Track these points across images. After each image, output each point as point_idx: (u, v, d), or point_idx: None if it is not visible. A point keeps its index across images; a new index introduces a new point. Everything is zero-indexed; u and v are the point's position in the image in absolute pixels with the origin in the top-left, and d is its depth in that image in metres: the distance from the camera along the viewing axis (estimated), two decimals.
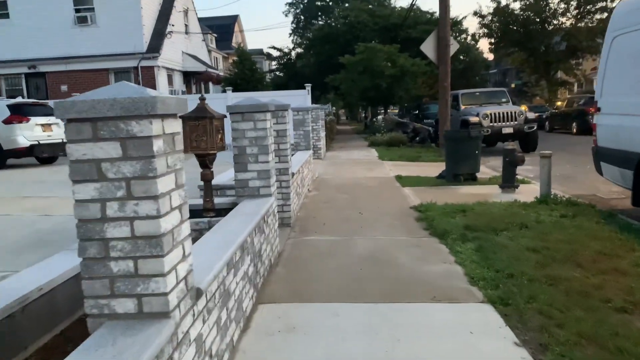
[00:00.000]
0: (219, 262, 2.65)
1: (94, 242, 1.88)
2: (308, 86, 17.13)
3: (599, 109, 6.92)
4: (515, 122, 14.76)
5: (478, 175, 9.40)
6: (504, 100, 16.40)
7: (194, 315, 2.21)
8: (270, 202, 4.48)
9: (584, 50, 31.24)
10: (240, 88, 18.50)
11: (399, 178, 9.91)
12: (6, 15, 19.89)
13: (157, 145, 1.85)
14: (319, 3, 41.30)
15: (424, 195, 7.98)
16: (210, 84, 24.22)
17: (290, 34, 42.57)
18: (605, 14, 29.88)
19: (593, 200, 7.57)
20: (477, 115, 14.87)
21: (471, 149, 9.06)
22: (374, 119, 27.91)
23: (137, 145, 1.82)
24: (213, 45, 41.12)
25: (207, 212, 4.36)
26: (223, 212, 4.31)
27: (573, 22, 30.75)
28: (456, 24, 28.23)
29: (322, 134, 14.89)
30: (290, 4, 42.98)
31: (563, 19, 30.97)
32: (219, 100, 15.01)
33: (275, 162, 5.99)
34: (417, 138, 19.31)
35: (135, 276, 1.89)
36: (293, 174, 6.38)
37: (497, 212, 6.33)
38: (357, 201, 7.70)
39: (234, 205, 4.55)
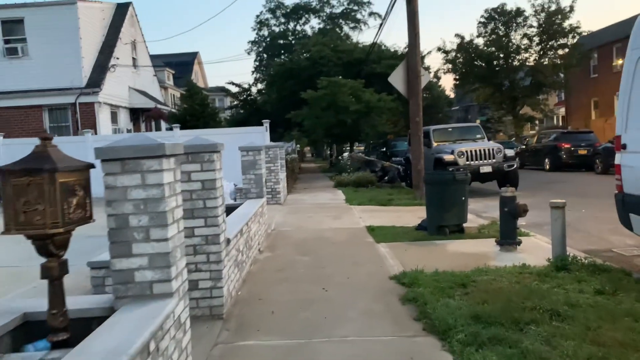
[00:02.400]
0: None
1: None
2: (266, 122, 15.48)
3: (623, 146, 5.44)
4: (494, 160, 13.45)
5: (465, 224, 7.82)
6: (478, 136, 15.16)
7: None
8: (169, 310, 2.66)
9: (549, 85, 31.04)
10: (189, 125, 16.69)
11: (371, 230, 8.21)
12: None
13: None
14: (281, 41, 40.45)
15: (405, 255, 6.29)
16: (162, 122, 22.32)
17: (253, 72, 41.38)
18: (567, 50, 29.93)
19: (612, 258, 6.06)
20: (452, 152, 13.51)
21: (457, 195, 7.49)
22: (340, 157, 26.49)
23: None
24: (170, 82, 39.42)
25: (54, 332, 2.50)
26: (85, 325, 2.49)
27: (537, 57, 30.59)
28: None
29: (282, 175, 13.18)
30: (252, 42, 42.03)
31: (526, 55, 30.81)
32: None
33: (200, 227, 4.20)
34: (386, 178, 17.83)
35: None
36: (229, 241, 4.57)
37: (508, 288, 4.66)
38: (321, 267, 5.93)
39: (111, 311, 2.72)
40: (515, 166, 13.65)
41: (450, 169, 12.81)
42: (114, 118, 19.50)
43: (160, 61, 37.48)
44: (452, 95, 62.56)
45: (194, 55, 48.74)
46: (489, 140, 15.61)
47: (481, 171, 13.16)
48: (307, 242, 7.53)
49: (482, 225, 8.42)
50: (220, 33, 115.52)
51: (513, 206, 6.37)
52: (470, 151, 13.42)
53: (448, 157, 13.40)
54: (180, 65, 43.13)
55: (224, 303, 4.25)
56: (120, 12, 21.01)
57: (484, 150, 13.48)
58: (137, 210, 2.72)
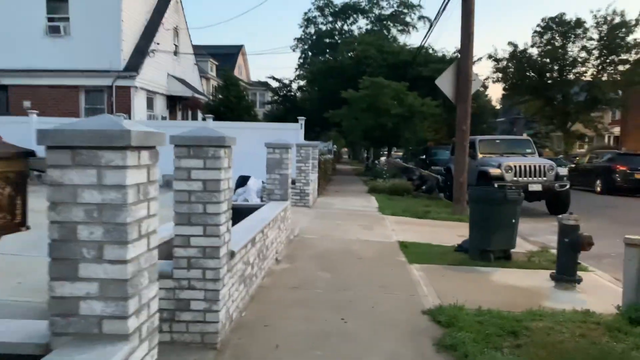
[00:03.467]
0: None
1: None
2: (301, 120, 14.76)
3: None
4: (545, 178, 12.29)
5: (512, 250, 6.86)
6: (528, 151, 13.97)
7: None
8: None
9: (606, 102, 29.16)
10: (223, 117, 16.14)
11: (404, 246, 7.34)
12: None
13: None
14: (327, 40, 39.76)
15: (442, 282, 5.43)
16: (199, 112, 21.94)
17: (296, 69, 40.80)
18: (628, 66, 28.00)
19: None
20: (499, 166, 12.42)
21: (507, 217, 6.53)
22: (376, 162, 25.58)
23: None
24: (213, 72, 39.28)
25: None
26: None
27: (594, 72, 28.74)
28: None
29: (312, 176, 12.42)
30: (298, 39, 41.48)
31: (583, 69, 28.99)
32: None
33: (197, 236, 3.48)
34: (424, 187, 16.82)
35: None
36: (233, 254, 3.83)
37: (572, 344, 3.74)
38: (344, 288, 5.12)
39: (47, 349, 2.00)
40: (567, 186, 12.45)
41: (498, 185, 11.84)
42: (149, 104, 19.20)
43: (204, 51, 37.36)
44: (498, 106, 60.53)
45: (239, 47, 48.51)
46: (539, 156, 14.40)
47: (530, 189, 12.00)
48: (331, 254, 6.73)
49: (531, 252, 7.42)
50: (266, 27, 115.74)
51: (575, 237, 5.39)
52: (519, 166, 12.31)
53: (494, 171, 12.34)
54: (224, 57, 42.92)
55: (219, 330, 3.50)
56: None
57: (535, 166, 12.34)
58: (89, 218, 1.99)
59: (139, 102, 17.99)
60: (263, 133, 13.44)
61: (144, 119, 17.97)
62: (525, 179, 12.19)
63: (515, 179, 12.22)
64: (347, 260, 6.41)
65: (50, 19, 17.73)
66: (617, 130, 37.01)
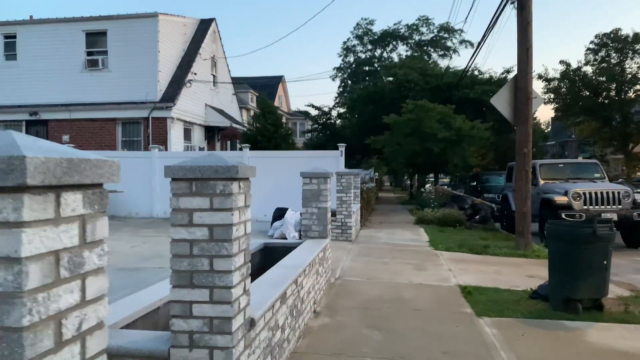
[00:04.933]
0: None
1: None
2: (342, 146, 13.84)
3: None
4: (620, 207, 10.81)
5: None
6: (597, 175, 12.49)
7: None
8: None
9: None
10: (259, 146, 15.41)
11: (467, 292, 6.17)
12: (13, 57, 18.02)
13: None
14: (366, 68, 39.22)
15: (525, 346, 4.27)
16: (238, 142, 21.46)
17: (336, 97, 40.32)
18: None
19: None
20: (565, 193, 11.04)
21: (597, 258, 5.31)
22: (422, 189, 24.27)
23: None
24: (253, 103, 39.29)
25: None
26: None
27: None
28: None
29: (355, 207, 11.42)
30: (338, 69, 41.14)
31: None
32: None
33: (202, 302, 2.54)
34: (477, 217, 15.45)
35: None
36: (253, 322, 2.86)
37: None
38: (399, 356, 4.03)
39: None
40: None
41: (566, 215, 10.47)
42: (187, 135, 18.81)
43: (244, 83, 37.54)
44: (547, 129, 57.88)
45: (279, 78, 48.69)
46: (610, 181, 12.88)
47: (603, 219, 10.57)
48: (379, 304, 5.65)
49: (623, 298, 6.12)
50: (305, 56, 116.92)
51: None
52: (590, 193, 10.89)
53: (560, 199, 10.96)
54: (265, 88, 43.04)
55: None
56: (203, 27, 20.59)
57: (607, 193, 10.90)
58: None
59: (175, 133, 17.60)
60: (301, 162, 12.61)
61: (181, 150, 17.55)
62: (597, 207, 10.77)
63: (585, 207, 10.82)
64: (399, 313, 5.31)
65: (89, 53, 17.78)
66: None
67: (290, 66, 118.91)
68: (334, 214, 10.15)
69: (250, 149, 14.44)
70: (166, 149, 16.50)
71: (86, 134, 17.07)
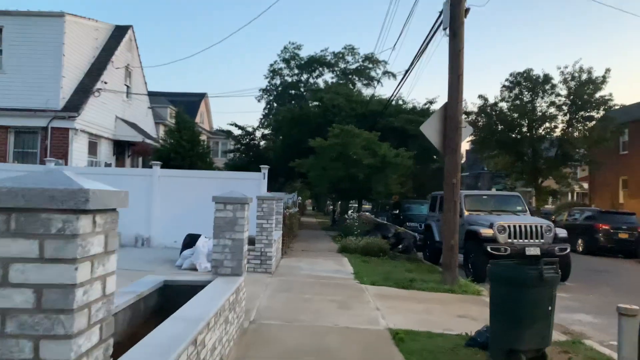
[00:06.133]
0: None
1: None
2: (265, 169, 12.92)
3: None
4: (542, 241, 10.77)
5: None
6: (519, 208, 12.51)
7: None
8: None
9: (576, 159, 28.78)
10: (172, 164, 14.10)
11: (398, 339, 5.43)
12: None
13: None
14: (292, 92, 38.85)
15: None
16: (150, 159, 19.79)
17: (261, 119, 39.49)
18: (594, 122, 27.85)
19: None
20: (490, 226, 10.86)
21: (542, 304, 4.79)
22: (345, 215, 23.80)
23: None
24: (173, 120, 37.38)
25: None
26: None
27: (564, 128, 28.37)
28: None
29: (276, 235, 10.51)
30: (264, 90, 40.38)
31: (553, 124, 28.57)
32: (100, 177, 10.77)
33: None
34: (400, 246, 15.06)
35: None
36: None
37: None
38: None
39: None
40: (568, 250, 10.97)
41: (491, 248, 10.21)
42: (92, 149, 16.96)
43: (165, 99, 35.72)
44: (463, 161, 60.66)
45: (201, 95, 47.00)
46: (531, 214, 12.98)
47: (527, 253, 10.46)
48: (299, 356, 4.75)
49: (562, 344, 5.70)
50: (231, 77, 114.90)
51: None
52: (514, 226, 10.77)
53: (485, 232, 10.74)
54: (186, 104, 41.16)
55: None
56: (118, 34, 18.95)
57: (531, 227, 10.83)
58: None
59: (79, 146, 15.77)
60: (220, 183, 11.54)
61: (84, 165, 15.75)
62: (521, 241, 10.65)
63: (509, 240, 10.66)
64: None
65: None
66: (585, 185, 36.83)
67: (215, 84, 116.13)
68: (252, 242, 9.15)
69: (162, 166, 13.10)
70: (66, 164, 14.68)
71: None
